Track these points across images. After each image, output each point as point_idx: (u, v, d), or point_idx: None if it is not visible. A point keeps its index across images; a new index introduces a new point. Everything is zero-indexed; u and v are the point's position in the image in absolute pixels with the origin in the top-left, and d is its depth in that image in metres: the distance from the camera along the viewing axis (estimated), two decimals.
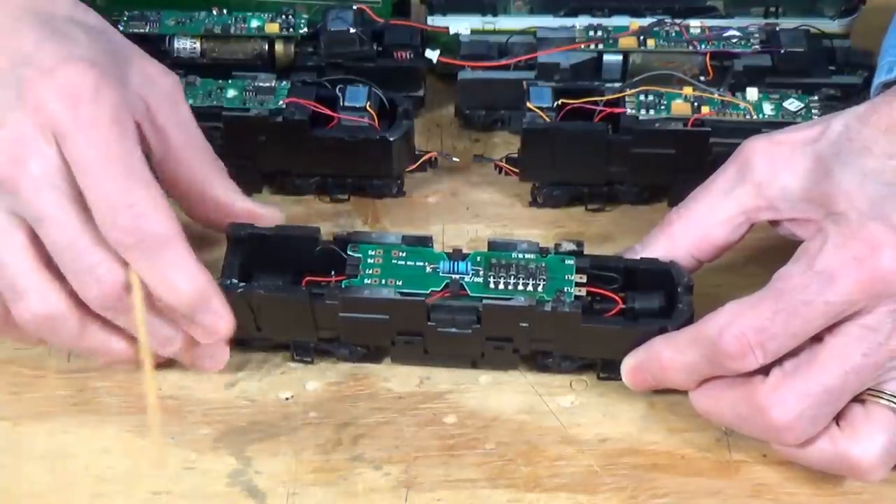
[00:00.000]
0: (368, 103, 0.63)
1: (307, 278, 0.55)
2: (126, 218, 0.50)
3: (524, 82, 0.64)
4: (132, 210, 0.50)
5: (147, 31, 0.67)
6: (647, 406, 0.57)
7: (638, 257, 0.55)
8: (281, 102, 0.63)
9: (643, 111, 0.62)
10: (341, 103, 0.63)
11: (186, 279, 0.51)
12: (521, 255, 0.55)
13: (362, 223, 0.65)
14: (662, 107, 0.62)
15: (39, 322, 0.51)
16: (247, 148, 0.64)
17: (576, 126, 0.62)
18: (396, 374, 0.58)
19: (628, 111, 0.62)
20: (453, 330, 0.53)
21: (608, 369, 0.55)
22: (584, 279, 0.54)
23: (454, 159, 0.67)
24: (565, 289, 0.53)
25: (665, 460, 0.55)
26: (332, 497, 0.53)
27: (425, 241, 0.55)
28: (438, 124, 0.70)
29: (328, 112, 0.63)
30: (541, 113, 0.61)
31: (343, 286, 0.54)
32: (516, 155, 0.63)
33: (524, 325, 0.53)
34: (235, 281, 0.54)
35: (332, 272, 0.55)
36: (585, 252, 0.55)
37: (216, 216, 0.58)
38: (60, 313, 0.51)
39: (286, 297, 0.54)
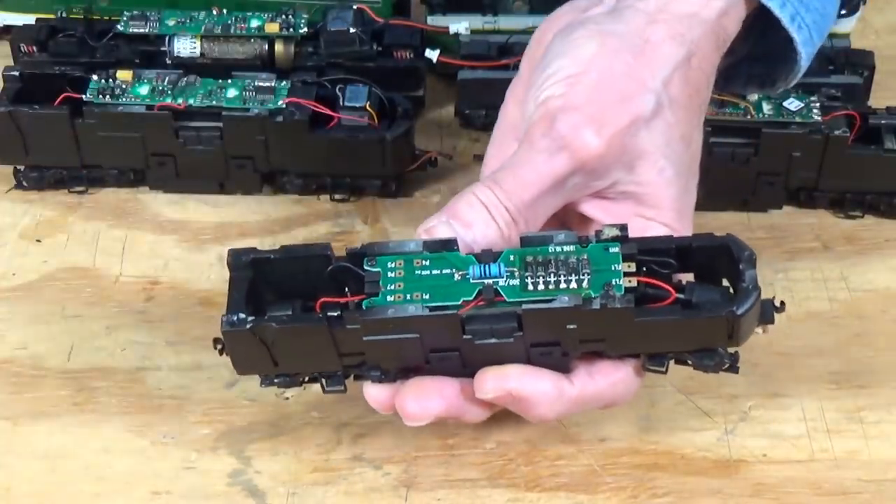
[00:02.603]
0: (368, 103, 0.63)
1: (321, 300, 0.49)
2: None
3: None
4: None
5: (147, 31, 0.67)
6: (647, 405, 0.56)
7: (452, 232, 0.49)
8: (281, 102, 0.63)
9: None
10: (341, 103, 0.63)
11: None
12: (559, 249, 0.48)
13: (362, 223, 0.65)
14: None
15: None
16: (247, 148, 0.64)
17: None
18: None
19: None
20: (493, 340, 0.48)
21: (655, 362, 0.50)
22: (632, 268, 0.48)
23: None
24: (613, 281, 0.47)
25: (665, 460, 0.54)
26: (333, 496, 0.53)
27: (449, 245, 0.49)
28: (438, 124, 0.70)
29: (328, 112, 0.63)
30: None
31: (364, 307, 0.48)
32: None
33: (572, 326, 0.48)
34: (243, 316, 0.47)
35: (346, 289, 0.49)
36: (630, 235, 0.49)
37: None
38: None
39: (302, 326, 0.48)
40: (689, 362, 0.50)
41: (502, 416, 0.55)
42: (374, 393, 0.50)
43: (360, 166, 0.64)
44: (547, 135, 0.49)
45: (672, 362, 0.50)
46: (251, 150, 0.64)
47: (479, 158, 0.64)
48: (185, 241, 0.64)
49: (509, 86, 0.55)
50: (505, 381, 0.49)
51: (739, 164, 0.63)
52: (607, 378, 0.50)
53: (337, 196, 0.66)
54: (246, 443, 0.55)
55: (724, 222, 0.64)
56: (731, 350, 0.49)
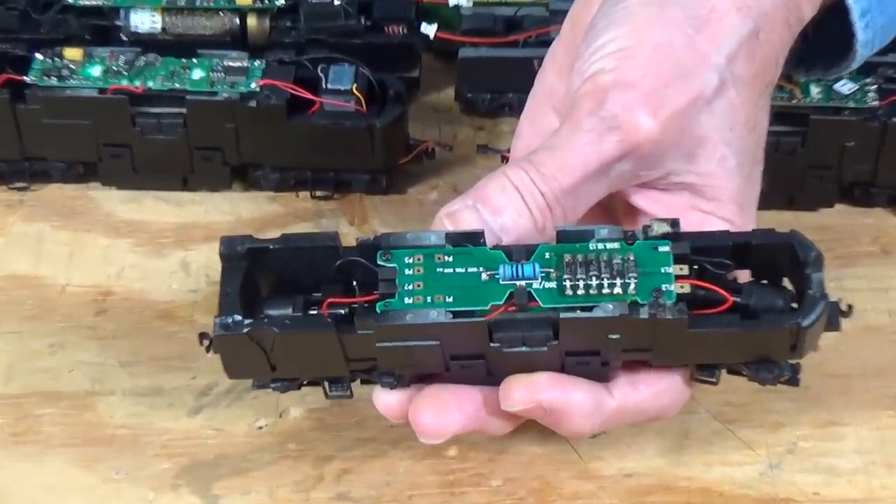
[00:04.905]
0: (355, 85, 0.61)
1: (328, 300, 0.47)
2: None
3: (535, 61, 0.58)
4: None
5: (101, 2, 0.65)
6: (679, 435, 0.54)
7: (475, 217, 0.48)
8: (254, 85, 0.62)
9: None
10: (324, 85, 0.62)
11: None
12: (601, 246, 0.46)
13: (348, 224, 0.64)
14: None
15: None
16: (215, 137, 0.63)
17: None
18: None
19: None
20: (524, 349, 0.46)
21: (705, 372, 0.48)
22: (685, 270, 0.46)
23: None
24: (663, 286, 0.45)
25: (700, 498, 0.53)
26: None
27: (476, 239, 0.46)
28: (436, 109, 0.69)
29: (309, 96, 0.62)
30: None
31: (378, 309, 0.46)
32: None
33: (615, 336, 0.46)
34: (239, 318, 0.45)
35: (355, 283, 0.47)
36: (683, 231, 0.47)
37: None
38: None
39: (307, 332, 0.46)
40: (745, 373, 0.48)
41: (511, 447, 0.54)
42: (386, 400, 0.48)
43: (345, 158, 0.63)
44: (595, 113, 0.47)
45: (724, 372, 0.49)
46: (219, 139, 0.63)
47: (484, 149, 0.65)
48: (141, 246, 0.63)
49: (549, 50, 0.53)
50: (535, 391, 0.47)
51: (784, 155, 0.61)
52: (651, 388, 0.48)
53: (319, 193, 0.64)
54: (212, 479, 0.53)
55: (767, 223, 0.61)
56: (792, 361, 0.48)
